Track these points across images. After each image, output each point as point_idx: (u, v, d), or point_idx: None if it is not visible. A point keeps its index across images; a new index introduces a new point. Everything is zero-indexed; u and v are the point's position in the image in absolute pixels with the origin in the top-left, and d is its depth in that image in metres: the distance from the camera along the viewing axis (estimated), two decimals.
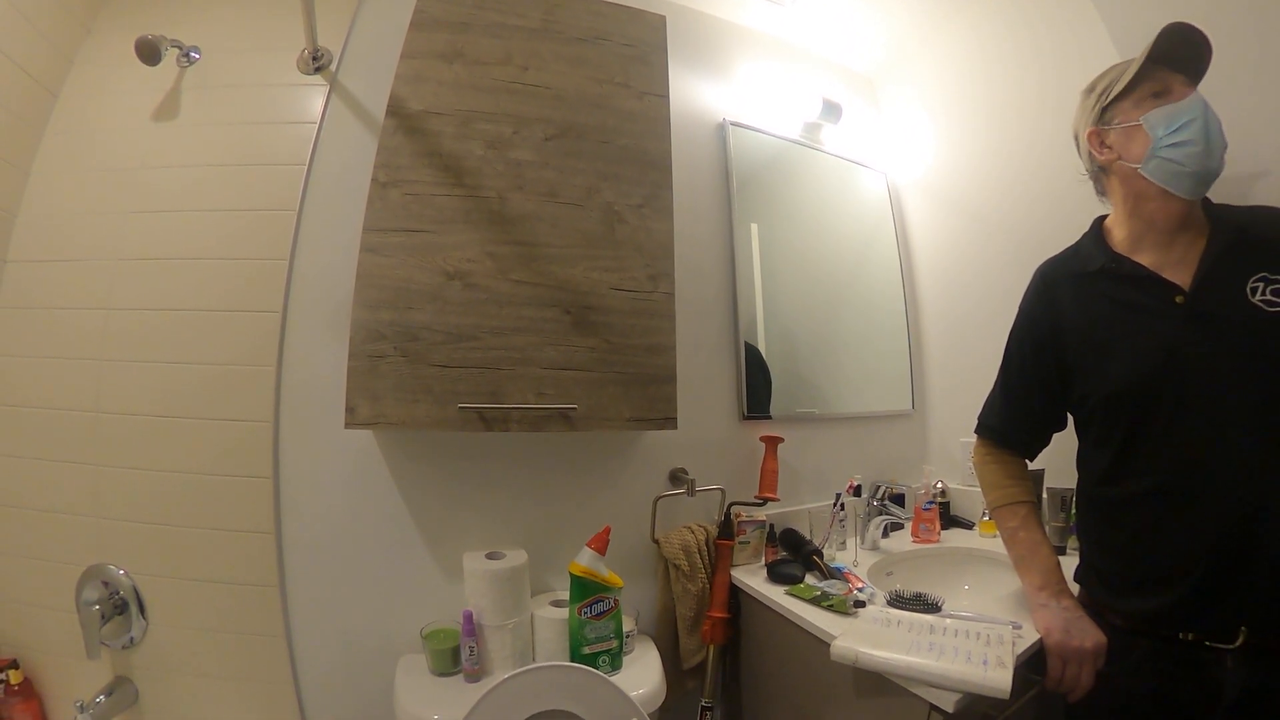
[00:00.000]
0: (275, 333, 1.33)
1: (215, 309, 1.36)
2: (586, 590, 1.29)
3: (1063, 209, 1.64)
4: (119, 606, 1.31)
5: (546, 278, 1.32)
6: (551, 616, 1.33)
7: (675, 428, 1.41)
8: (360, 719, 1.34)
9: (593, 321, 1.34)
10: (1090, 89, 1.13)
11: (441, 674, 1.26)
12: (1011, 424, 1.26)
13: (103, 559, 1.32)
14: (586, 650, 1.28)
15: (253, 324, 1.34)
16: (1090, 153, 1.14)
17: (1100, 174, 1.16)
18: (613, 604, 1.31)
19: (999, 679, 0.94)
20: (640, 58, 1.47)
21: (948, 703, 0.97)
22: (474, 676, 1.24)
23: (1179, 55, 1.02)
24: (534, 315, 1.30)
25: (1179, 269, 1.03)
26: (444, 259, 1.27)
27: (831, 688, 1.22)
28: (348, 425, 1.20)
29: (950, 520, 1.95)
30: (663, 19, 1.52)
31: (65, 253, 1.41)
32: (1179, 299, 1.01)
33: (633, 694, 1.19)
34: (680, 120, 1.63)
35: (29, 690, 1.35)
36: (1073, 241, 1.22)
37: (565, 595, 1.33)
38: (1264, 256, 0.98)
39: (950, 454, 2.10)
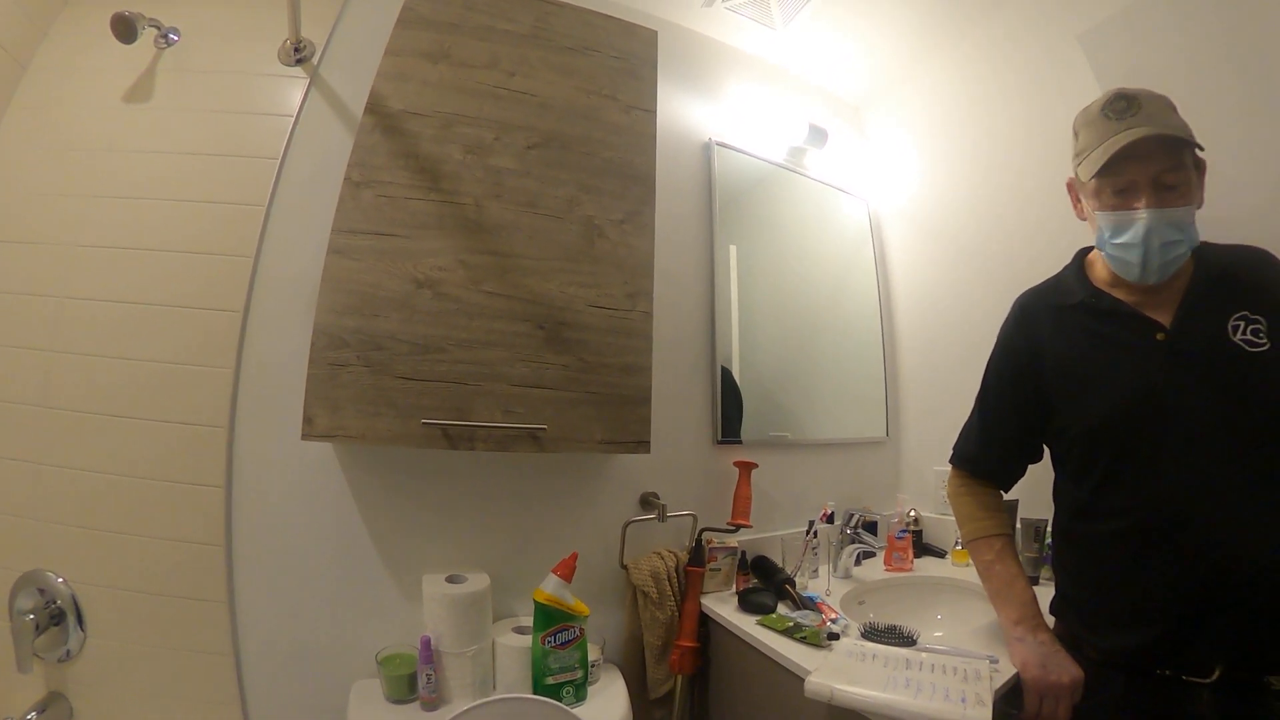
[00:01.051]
0: (235, 333, 1.27)
1: (174, 304, 1.30)
2: (551, 619, 1.24)
3: (1043, 240, 1.66)
4: (55, 617, 1.24)
5: (520, 290, 1.28)
6: (514, 644, 1.28)
7: (648, 451, 1.38)
8: None
9: (567, 338, 1.30)
10: (1075, 130, 1.08)
11: (397, 701, 1.20)
12: (988, 454, 1.25)
13: (40, 564, 1.25)
14: (550, 681, 1.23)
15: (212, 322, 1.28)
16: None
17: None
18: (578, 633, 1.27)
19: (978, 718, 0.92)
20: (630, 71, 1.45)
21: None
22: (431, 705, 1.19)
23: (1142, 153, 0.97)
24: (505, 329, 1.26)
25: (1160, 306, 1.03)
26: (415, 265, 1.22)
27: None
28: (305, 436, 1.15)
29: (923, 548, 1.94)
30: (654, 34, 1.51)
31: (20, 234, 1.34)
32: (1160, 336, 1.00)
33: None
34: (666, 137, 1.62)
35: None
36: (1053, 272, 1.21)
37: (529, 621, 1.28)
38: (1245, 297, 0.99)
39: (923, 481, 2.09)
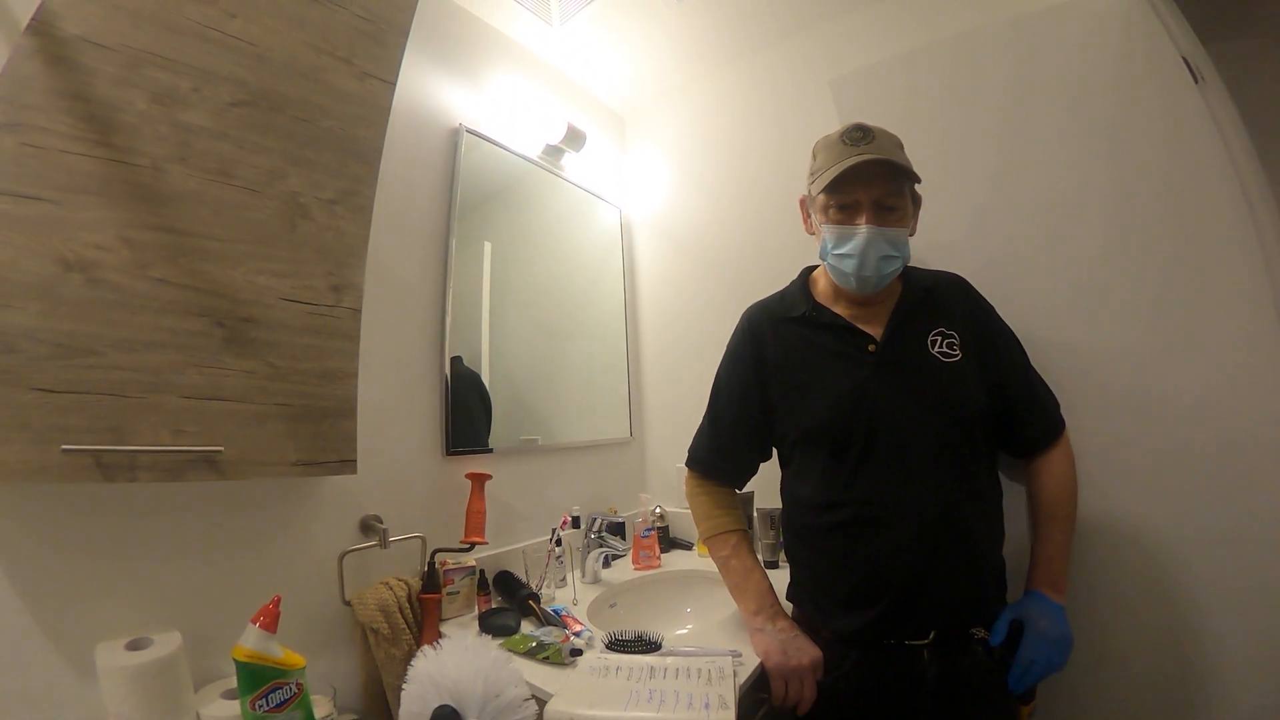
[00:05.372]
0: None
1: None
2: (258, 679, 1.01)
3: (774, 256, 1.86)
4: None
5: (197, 278, 1.03)
6: (223, 715, 1.04)
7: (354, 471, 1.21)
8: None
9: (252, 339, 1.08)
10: (814, 152, 1.17)
11: None
12: (718, 457, 1.31)
13: None
14: None
15: None
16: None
17: None
18: (295, 690, 1.05)
19: None
20: (374, 35, 1.27)
21: None
22: None
23: (868, 176, 1.07)
24: (176, 326, 1.01)
25: (872, 321, 1.16)
26: (64, 241, 0.93)
27: None
28: None
29: (670, 543, 2.02)
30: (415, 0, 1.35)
31: None
32: (871, 347, 1.14)
33: None
34: (407, 116, 1.51)
35: None
36: (782, 284, 1.32)
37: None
38: (942, 315, 1.16)
39: (668, 478, 2.20)
